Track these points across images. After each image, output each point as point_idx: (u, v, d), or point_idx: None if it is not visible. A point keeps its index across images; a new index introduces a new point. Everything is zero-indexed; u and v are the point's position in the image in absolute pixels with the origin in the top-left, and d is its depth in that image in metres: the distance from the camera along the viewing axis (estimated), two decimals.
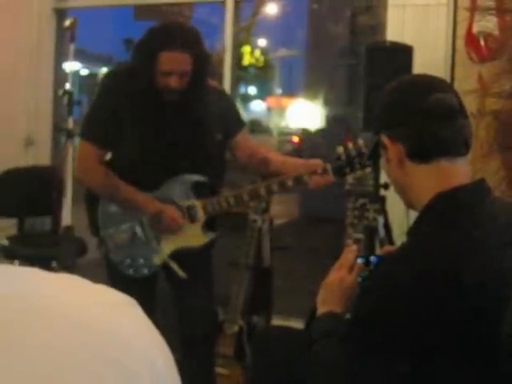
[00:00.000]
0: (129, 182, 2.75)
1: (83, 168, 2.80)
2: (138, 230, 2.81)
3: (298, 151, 12.45)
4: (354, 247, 1.86)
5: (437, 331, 1.43)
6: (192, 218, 2.79)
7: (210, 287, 3.00)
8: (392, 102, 1.66)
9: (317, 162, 2.71)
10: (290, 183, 2.70)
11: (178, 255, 2.83)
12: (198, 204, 2.79)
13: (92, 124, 2.80)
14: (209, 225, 2.85)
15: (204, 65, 2.69)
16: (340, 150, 2.66)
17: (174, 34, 2.60)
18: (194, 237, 2.82)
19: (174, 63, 2.60)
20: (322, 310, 1.73)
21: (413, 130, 1.58)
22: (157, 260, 2.81)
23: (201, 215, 2.79)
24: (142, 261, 2.82)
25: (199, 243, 2.83)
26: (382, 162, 1.78)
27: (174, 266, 2.80)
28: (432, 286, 1.43)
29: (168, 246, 2.81)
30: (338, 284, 1.73)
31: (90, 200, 2.87)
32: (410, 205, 1.71)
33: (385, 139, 1.64)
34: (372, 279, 1.64)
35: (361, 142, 2.66)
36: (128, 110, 2.69)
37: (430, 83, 1.65)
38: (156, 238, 2.81)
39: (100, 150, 2.75)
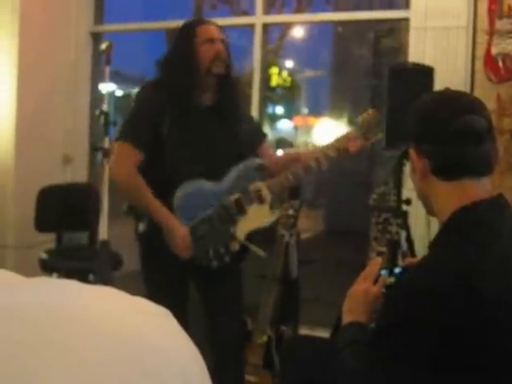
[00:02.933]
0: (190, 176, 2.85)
1: (121, 170, 2.86)
2: (215, 218, 2.88)
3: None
4: (379, 260, 1.88)
5: (456, 342, 1.43)
6: (261, 200, 2.89)
7: (239, 298, 3.06)
8: (422, 118, 1.67)
9: (349, 133, 2.92)
10: (332, 154, 2.87)
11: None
12: (263, 186, 2.90)
13: (131, 126, 2.90)
14: (273, 204, 2.96)
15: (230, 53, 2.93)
16: (359, 119, 2.91)
17: (206, 18, 2.92)
18: (264, 217, 2.92)
19: (212, 32, 2.86)
20: (347, 319, 1.74)
21: (439, 149, 1.60)
22: (235, 246, 2.88)
23: (267, 195, 2.90)
24: (222, 249, 2.89)
25: (268, 222, 2.94)
26: (408, 169, 1.81)
27: (253, 247, 2.91)
28: (451, 297, 1.44)
29: (243, 230, 2.90)
30: (363, 295, 1.74)
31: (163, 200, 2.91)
32: (429, 212, 1.74)
33: (412, 152, 1.67)
34: (394, 290, 1.66)
35: (371, 110, 2.92)
36: (171, 111, 2.82)
37: (462, 103, 1.64)
38: (231, 224, 2.88)
39: (137, 151, 2.83)
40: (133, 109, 2.98)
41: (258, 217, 2.91)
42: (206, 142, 2.89)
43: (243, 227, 2.90)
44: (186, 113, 2.85)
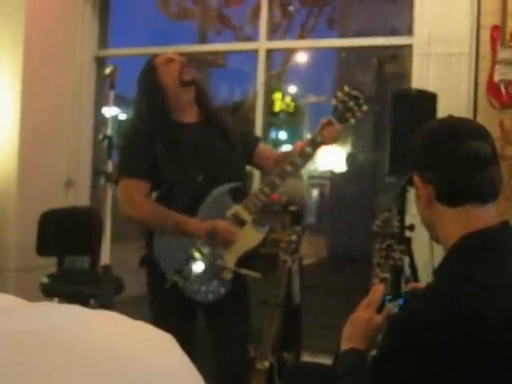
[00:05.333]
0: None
1: (132, 202, 2.84)
2: (199, 255, 2.83)
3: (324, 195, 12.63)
4: (381, 287, 1.84)
5: (461, 370, 1.41)
6: (241, 223, 2.84)
7: (244, 324, 3.05)
8: (426, 145, 1.66)
9: (321, 121, 2.87)
10: (308, 150, 2.83)
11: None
12: (239, 208, 2.84)
13: (127, 161, 2.90)
14: (257, 221, 2.92)
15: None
16: (334, 101, 2.85)
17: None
18: (250, 238, 2.87)
19: (169, 54, 2.93)
20: (345, 346, 1.72)
21: (443, 175, 1.60)
22: (227, 275, 2.84)
23: (247, 216, 2.84)
24: (215, 282, 2.85)
25: (257, 241, 2.90)
26: (413, 196, 1.78)
27: (246, 272, 2.87)
28: (457, 324, 1.43)
29: (231, 258, 2.84)
30: (365, 323, 1.72)
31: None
32: (435, 239, 1.73)
33: (416, 179, 1.66)
34: (398, 317, 1.62)
35: (347, 88, 2.84)
36: (161, 138, 2.82)
37: (466, 130, 1.64)
38: (218, 255, 2.83)
39: (144, 182, 2.82)
40: (122, 147, 2.99)
41: (244, 240, 2.86)
42: (203, 153, 2.87)
43: (232, 253, 2.86)
44: (174, 131, 2.85)
